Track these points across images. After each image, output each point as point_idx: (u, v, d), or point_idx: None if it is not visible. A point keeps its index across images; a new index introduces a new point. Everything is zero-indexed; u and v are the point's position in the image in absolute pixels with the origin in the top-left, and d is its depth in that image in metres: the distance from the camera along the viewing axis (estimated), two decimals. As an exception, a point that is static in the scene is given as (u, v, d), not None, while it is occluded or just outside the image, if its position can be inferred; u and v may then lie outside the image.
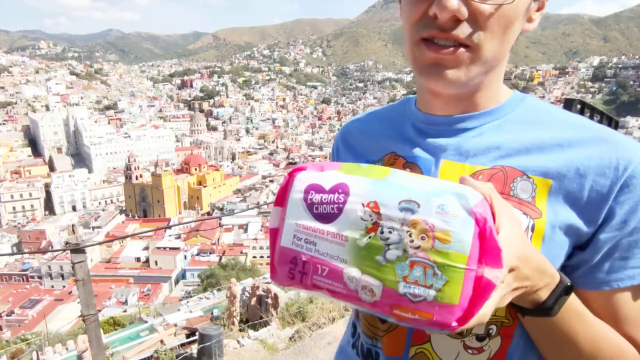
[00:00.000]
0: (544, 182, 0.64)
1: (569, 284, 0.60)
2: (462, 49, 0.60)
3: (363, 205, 0.54)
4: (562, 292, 0.59)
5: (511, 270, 0.53)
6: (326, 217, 0.56)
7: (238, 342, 6.76)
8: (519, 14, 0.61)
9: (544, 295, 0.58)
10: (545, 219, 0.63)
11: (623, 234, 0.62)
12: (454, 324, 0.49)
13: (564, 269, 0.65)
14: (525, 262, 0.54)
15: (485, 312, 0.51)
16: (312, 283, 0.57)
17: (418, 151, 0.74)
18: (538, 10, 0.66)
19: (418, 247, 0.50)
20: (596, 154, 0.63)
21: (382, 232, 0.52)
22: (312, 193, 0.58)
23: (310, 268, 0.57)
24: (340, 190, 0.57)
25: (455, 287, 0.49)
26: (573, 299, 0.61)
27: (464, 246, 0.49)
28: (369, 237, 0.53)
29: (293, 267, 0.59)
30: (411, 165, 0.73)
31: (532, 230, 0.63)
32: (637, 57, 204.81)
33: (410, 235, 0.51)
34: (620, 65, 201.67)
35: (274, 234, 0.62)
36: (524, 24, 0.65)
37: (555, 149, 0.65)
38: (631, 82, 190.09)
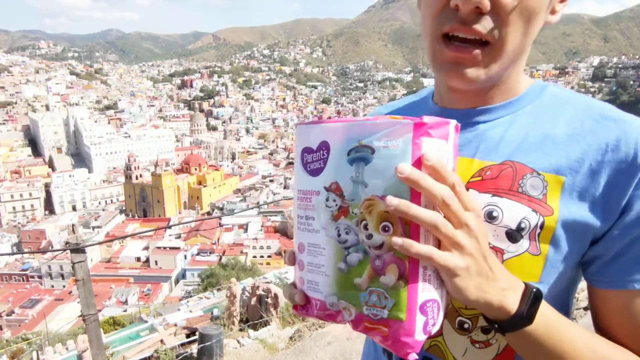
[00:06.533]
0: (556, 178, 0.61)
1: (534, 290, 0.55)
2: (480, 50, 0.59)
3: (326, 189, 0.53)
4: (532, 299, 0.54)
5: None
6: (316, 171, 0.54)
7: (238, 341, 6.76)
8: (542, 5, 0.60)
9: (512, 301, 0.54)
10: (557, 216, 0.60)
11: None
12: (405, 339, 0.49)
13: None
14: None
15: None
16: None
17: None
18: (562, 1, 0.65)
19: (380, 247, 0.49)
20: (613, 144, 0.60)
21: (339, 235, 0.52)
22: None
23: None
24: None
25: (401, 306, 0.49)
26: (547, 309, 0.57)
27: None
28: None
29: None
30: None
31: (542, 227, 0.61)
32: (637, 57, 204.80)
33: (366, 228, 0.49)
34: (620, 65, 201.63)
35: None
36: (547, 15, 0.63)
37: (569, 143, 0.62)
38: (631, 82, 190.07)
